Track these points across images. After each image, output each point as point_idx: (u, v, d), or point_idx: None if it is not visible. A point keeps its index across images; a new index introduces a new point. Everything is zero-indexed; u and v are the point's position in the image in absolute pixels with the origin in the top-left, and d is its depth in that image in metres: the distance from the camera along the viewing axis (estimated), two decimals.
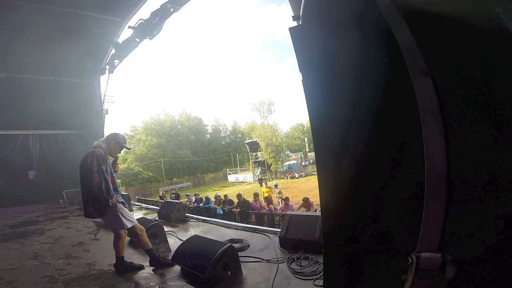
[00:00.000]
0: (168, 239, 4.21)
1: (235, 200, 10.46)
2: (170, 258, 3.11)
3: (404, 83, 1.22)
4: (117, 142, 3.09)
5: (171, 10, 6.68)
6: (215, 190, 21.99)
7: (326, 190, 1.75)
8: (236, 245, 3.51)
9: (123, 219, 2.89)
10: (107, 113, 13.41)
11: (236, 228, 4.72)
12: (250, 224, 7.11)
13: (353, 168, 1.61)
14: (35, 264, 3.41)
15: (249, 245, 3.61)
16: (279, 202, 11.73)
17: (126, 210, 3.00)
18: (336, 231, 1.62)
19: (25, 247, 4.22)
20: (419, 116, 1.15)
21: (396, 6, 1.27)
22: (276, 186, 15.18)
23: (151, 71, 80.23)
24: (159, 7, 6.70)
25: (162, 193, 17.01)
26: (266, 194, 11.62)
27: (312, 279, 2.48)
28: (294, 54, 1.94)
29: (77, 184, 2.98)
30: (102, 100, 12.44)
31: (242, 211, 9.33)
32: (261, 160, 33.93)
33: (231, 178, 34.71)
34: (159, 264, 3.07)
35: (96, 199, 2.74)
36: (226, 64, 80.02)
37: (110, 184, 2.82)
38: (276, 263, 2.88)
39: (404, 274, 1.14)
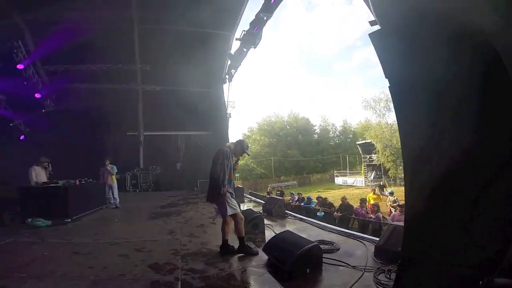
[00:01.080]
0: (265, 231, 4.76)
1: (338, 204, 10.24)
2: (262, 248, 3.61)
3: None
4: (241, 147, 3.94)
5: (265, 18, 7.26)
6: (320, 192, 21.82)
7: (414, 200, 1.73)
8: (325, 247, 3.67)
9: (227, 206, 3.63)
10: (230, 117, 15.91)
11: (331, 230, 4.82)
12: (351, 230, 6.90)
13: (445, 177, 1.54)
14: (169, 239, 4.62)
15: (339, 249, 3.67)
16: (392, 211, 10.57)
17: (232, 199, 3.72)
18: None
19: (166, 225, 5.73)
20: None
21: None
22: (391, 194, 13.62)
23: (262, 75, 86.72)
24: (254, 17, 7.41)
25: (269, 189, 18.60)
26: (372, 201, 10.75)
27: None
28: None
29: (208, 175, 3.87)
30: (226, 106, 14.88)
31: (343, 216, 9.07)
32: (376, 164, 30.50)
33: (338, 180, 33.24)
34: (245, 251, 3.65)
35: (215, 186, 3.59)
36: (332, 61, 76.47)
37: (227, 176, 3.63)
38: (362, 271, 2.88)
39: None
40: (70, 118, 12.26)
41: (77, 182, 6.80)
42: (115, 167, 8.39)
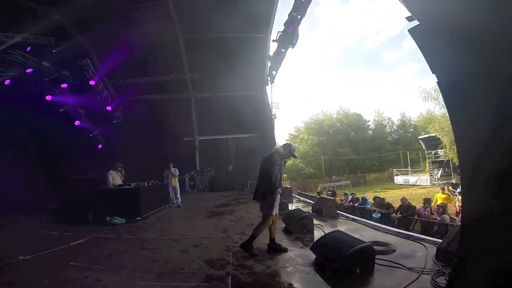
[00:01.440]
0: (314, 231, 4.73)
1: (397, 205, 9.47)
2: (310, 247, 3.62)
3: None
4: (289, 150, 4.07)
5: (298, 17, 7.18)
6: (376, 192, 20.36)
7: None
8: (379, 248, 3.53)
9: (274, 206, 3.75)
10: (275, 118, 16.09)
11: (387, 231, 4.57)
12: (412, 232, 6.35)
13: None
14: (222, 236, 4.93)
15: (394, 250, 3.50)
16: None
17: (278, 201, 3.85)
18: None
19: (220, 223, 6.13)
20: None
21: None
22: (460, 193, 12.05)
23: (305, 74, 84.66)
24: (288, 17, 7.35)
25: (320, 189, 18.12)
26: (440, 201, 9.65)
27: None
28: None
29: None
30: (271, 107, 15.08)
31: (403, 217, 8.35)
32: (443, 160, 27.08)
33: (398, 179, 30.41)
34: (248, 249, 3.72)
35: (267, 185, 3.73)
36: (380, 52, 70.58)
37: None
38: (418, 273, 2.70)
39: None
40: (135, 127, 13.97)
41: (146, 184, 7.65)
42: (177, 170, 9.20)
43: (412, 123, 42.63)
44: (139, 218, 6.61)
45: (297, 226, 4.81)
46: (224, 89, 13.70)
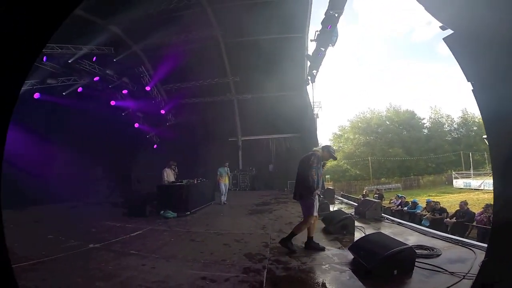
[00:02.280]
0: (355, 233, 4.70)
1: (454, 210, 8.63)
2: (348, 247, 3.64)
3: None
4: (328, 151, 4.17)
5: (336, 15, 6.96)
6: (431, 196, 18.54)
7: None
8: (422, 251, 3.44)
9: (314, 207, 3.88)
10: (318, 117, 15.86)
11: (434, 236, 4.34)
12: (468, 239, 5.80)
13: None
14: (261, 233, 5.18)
15: (439, 255, 3.36)
16: None
17: (318, 202, 3.97)
18: None
19: (259, 220, 6.42)
20: None
21: None
22: None
23: (348, 71, 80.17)
24: (324, 16, 7.18)
25: (365, 191, 17.21)
26: None
27: None
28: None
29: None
30: (312, 107, 14.92)
31: (458, 222, 7.60)
32: None
33: (458, 183, 27.18)
34: (286, 245, 3.88)
35: (306, 187, 3.87)
36: (433, 45, 63.05)
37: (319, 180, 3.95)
38: (460, 277, 2.61)
39: None
40: (184, 129, 15.25)
41: (195, 181, 8.30)
42: (228, 169, 9.80)
43: (476, 120, 37.54)
44: (188, 213, 7.20)
45: (337, 227, 4.82)
46: (265, 90, 14.00)
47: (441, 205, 9.36)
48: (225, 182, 9.40)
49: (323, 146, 4.27)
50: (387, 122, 39.97)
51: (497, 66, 1.48)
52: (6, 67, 1.28)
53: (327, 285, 2.77)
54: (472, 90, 1.68)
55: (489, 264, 1.48)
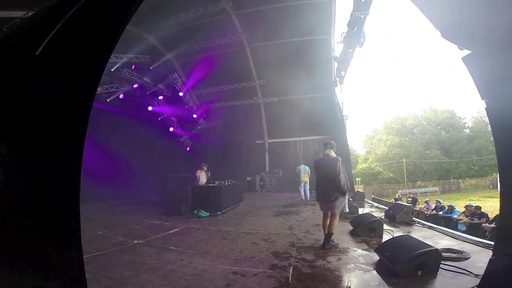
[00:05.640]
0: (383, 235, 4.72)
1: (493, 214, 8.07)
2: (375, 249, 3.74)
3: None
4: (335, 147, 4.45)
5: (362, 16, 6.89)
6: (471, 200, 17.22)
7: None
8: (450, 255, 3.44)
9: (346, 205, 4.20)
10: (347, 118, 15.55)
11: (466, 240, 4.26)
12: None
13: None
14: (288, 233, 5.37)
15: (468, 258, 3.35)
16: None
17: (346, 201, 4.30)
18: None
19: (286, 221, 6.57)
20: None
21: None
22: None
23: (382, 71, 76.44)
24: (350, 17, 7.12)
25: (398, 195, 16.46)
26: None
27: None
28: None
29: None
30: (341, 108, 14.70)
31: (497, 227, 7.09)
32: None
33: None
34: (328, 244, 4.17)
35: (337, 189, 4.11)
36: None
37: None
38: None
39: None
40: (214, 132, 15.98)
41: (226, 183, 8.71)
42: (307, 167, 10.20)
43: None
44: (219, 212, 7.59)
45: (365, 229, 4.87)
46: (291, 92, 14.17)
47: (481, 210, 8.78)
48: (304, 180, 9.99)
49: (331, 145, 4.45)
50: (424, 122, 37.71)
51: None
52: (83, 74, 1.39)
53: (349, 282, 2.92)
54: (485, 108, 1.77)
55: (495, 263, 1.58)
